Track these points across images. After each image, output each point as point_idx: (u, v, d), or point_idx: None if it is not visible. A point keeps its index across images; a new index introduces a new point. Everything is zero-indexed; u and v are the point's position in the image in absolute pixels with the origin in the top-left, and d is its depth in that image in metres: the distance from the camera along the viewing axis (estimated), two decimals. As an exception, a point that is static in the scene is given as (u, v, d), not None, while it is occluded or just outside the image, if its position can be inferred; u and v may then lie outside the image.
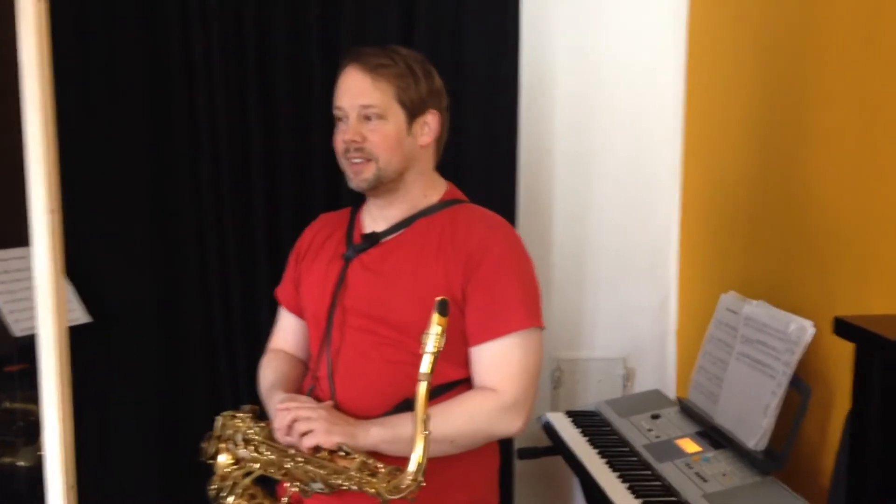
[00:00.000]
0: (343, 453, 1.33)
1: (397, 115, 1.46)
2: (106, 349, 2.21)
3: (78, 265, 2.09)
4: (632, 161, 2.43)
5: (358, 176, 1.47)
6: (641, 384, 2.44)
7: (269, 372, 1.59)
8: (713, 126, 2.28)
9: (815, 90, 1.78)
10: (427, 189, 1.54)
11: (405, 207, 1.52)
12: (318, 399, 1.47)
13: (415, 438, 1.15)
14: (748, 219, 2.06)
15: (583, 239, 2.45)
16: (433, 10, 2.21)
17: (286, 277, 1.67)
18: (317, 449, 1.34)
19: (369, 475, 1.26)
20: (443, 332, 1.13)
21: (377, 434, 1.35)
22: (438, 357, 1.14)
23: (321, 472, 1.30)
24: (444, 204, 1.54)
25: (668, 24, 2.38)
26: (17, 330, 2.01)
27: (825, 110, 1.74)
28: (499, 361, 1.41)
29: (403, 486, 1.19)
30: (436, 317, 1.14)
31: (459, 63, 2.23)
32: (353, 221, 1.59)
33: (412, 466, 1.17)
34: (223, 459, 1.47)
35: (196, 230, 2.21)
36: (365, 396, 1.42)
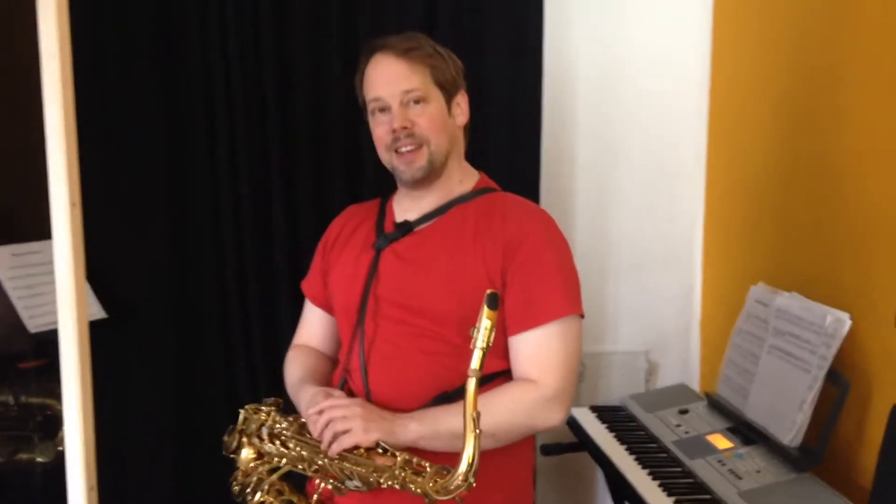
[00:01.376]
0: (381, 450, 1.29)
1: (437, 96, 1.44)
2: (122, 345, 2.17)
3: (94, 260, 2.05)
4: (655, 149, 2.38)
5: (413, 165, 1.43)
6: (665, 378, 2.40)
7: (296, 367, 1.55)
8: (739, 111, 2.23)
9: (852, 71, 1.73)
10: (462, 175, 1.52)
11: (441, 195, 1.49)
12: (351, 392, 1.43)
13: (465, 437, 1.11)
14: (777, 207, 2.02)
15: (605, 229, 2.40)
16: (454, 3, 2.16)
17: (313, 269, 1.63)
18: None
19: (413, 474, 1.22)
20: (493, 326, 1.08)
21: (416, 430, 1.31)
22: (488, 352, 1.09)
23: (359, 469, 1.26)
24: (479, 192, 1.51)
25: (693, 6, 2.33)
26: (33, 326, 1.98)
27: (862, 93, 1.69)
28: (538, 351, 1.37)
29: (453, 487, 1.15)
30: (485, 310, 1.09)
31: (481, 55, 2.19)
32: (383, 211, 1.55)
33: (463, 466, 1.13)
34: (246, 454, 1.44)
35: (213, 225, 2.17)
36: (400, 389, 1.38)
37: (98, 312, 2.15)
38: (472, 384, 1.09)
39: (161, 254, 2.15)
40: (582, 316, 1.43)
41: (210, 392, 2.22)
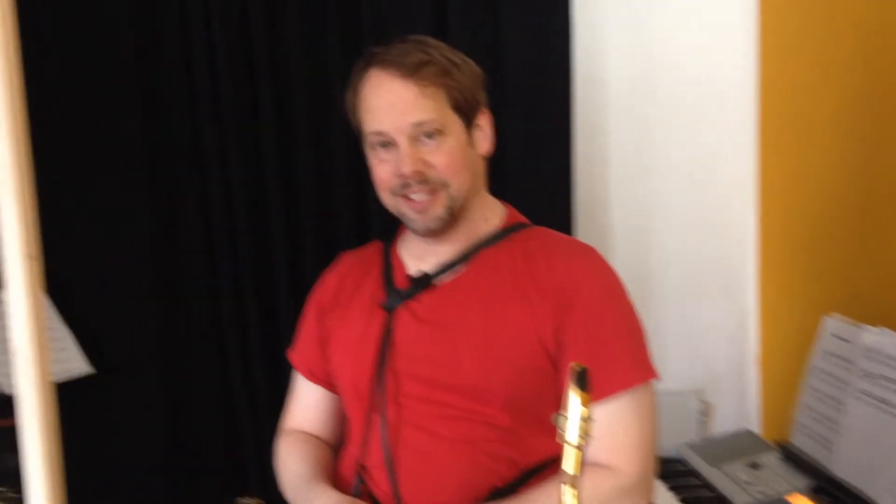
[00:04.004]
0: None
1: (455, 124, 1.17)
2: (109, 402, 1.94)
3: (79, 313, 1.84)
4: (699, 161, 2.12)
5: (427, 214, 1.16)
6: (721, 422, 2.13)
7: (297, 462, 1.26)
8: (797, 115, 1.97)
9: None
10: (486, 211, 1.24)
11: (463, 238, 1.22)
12: (373, 497, 1.15)
13: None
14: (849, 226, 1.78)
15: (645, 253, 2.14)
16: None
17: (304, 336, 1.35)
18: None
19: None
20: (589, 415, 0.80)
21: None
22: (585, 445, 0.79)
23: None
24: (508, 230, 1.24)
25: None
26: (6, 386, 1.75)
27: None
28: (610, 430, 1.11)
29: None
30: (575, 392, 0.79)
31: (501, 51, 1.91)
32: (388, 259, 1.28)
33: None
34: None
35: (207, 274, 1.92)
36: (440, 490, 1.11)
37: (83, 368, 1.93)
38: (567, 496, 0.80)
39: (149, 306, 1.91)
40: (656, 379, 1.17)
41: (205, 459, 1.98)
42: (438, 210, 1.16)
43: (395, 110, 1.14)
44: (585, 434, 0.80)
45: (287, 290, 1.91)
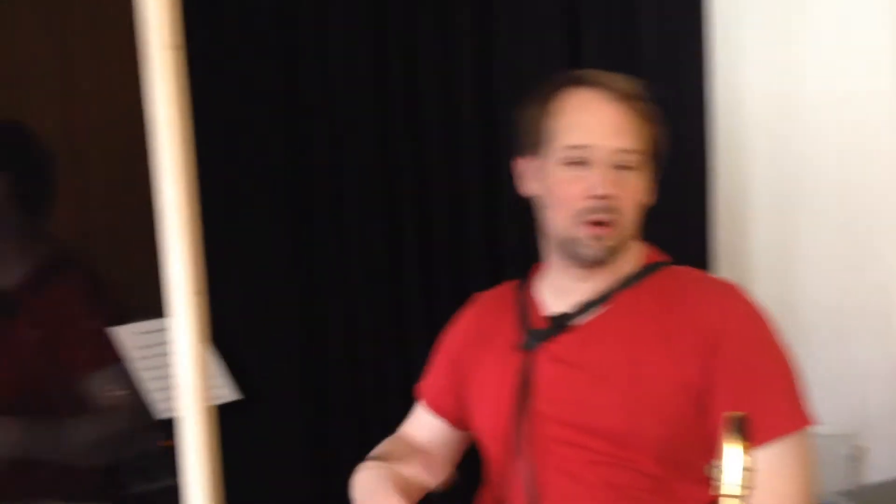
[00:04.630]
0: None
1: (646, 165, 1.17)
2: (254, 427, 2.03)
3: (226, 341, 1.94)
4: (849, 190, 2.02)
5: (602, 241, 1.15)
6: (877, 468, 2.00)
7: (373, 471, 1.23)
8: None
9: None
10: (628, 253, 1.23)
11: (605, 279, 1.20)
12: None
13: None
14: None
15: (792, 288, 2.05)
16: (603, 19, 1.87)
17: (434, 373, 1.36)
18: None
19: None
20: (751, 464, 0.77)
21: None
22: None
23: None
24: (648, 269, 1.22)
25: (886, 21, 1.97)
26: (161, 411, 1.85)
27: None
28: (767, 479, 1.06)
29: None
30: (734, 440, 0.76)
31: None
32: (523, 300, 1.27)
33: None
34: None
35: (343, 304, 1.99)
36: None
37: (231, 394, 2.02)
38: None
39: (291, 336, 1.99)
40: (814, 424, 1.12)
41: (343, 477, 2.04)
42: (611, 241, 1.16)
43: (607, 129, 1.14)
44: (747, 484, 0.77)
45: (420, 326, 1.96)
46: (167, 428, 1.81)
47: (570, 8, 1.83)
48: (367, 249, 1.97)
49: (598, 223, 1.14)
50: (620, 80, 1.16)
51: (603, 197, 1.13)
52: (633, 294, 1.19)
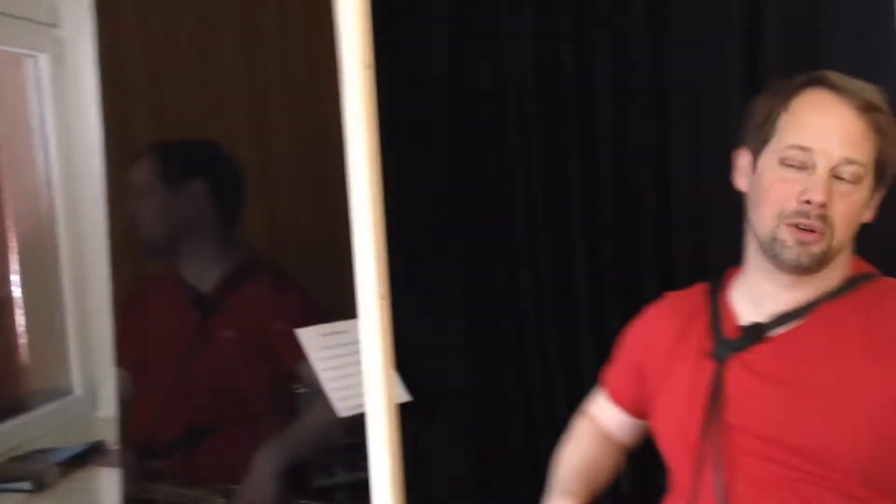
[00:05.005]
0: None
1: (869, 181, 1.12)
2: (424, 429, 2.09)
3: (398, 344, 2.02)
4: None
5: (807, 248, 1.11)
6: None
7: (573, 457, 1.36)
8: None
9: None
10: (835, 264, 1.17)
11: (810, 290, 1.16)
12: None
13: None
14: None
15: None
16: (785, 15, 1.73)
17: (620, 364, 1.39)
18: None
19: None
20: None
21: None
22: None
23: None
24: (853, 282, 1.16)
25: None
26: (342, 409, 1.94)
27: None
28: None
29: None
30: None
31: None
32: (716, 306, 1.23)
33: None
34: None
35: (511, 309, 2.01)
36: None
37: (402, 396, 2.10)
38: None
39: (458, 340, 2.04)
40: None
41: (511, 481, 2.06)
42: (817, 249, 1.11)
43: (835, 136, 1.10)
44: None
45: (588, 328, 1.94)
46: (347, 426, 1.92)
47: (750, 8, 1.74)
48: (536, 253, 1.98)
49: (806, 229, 1.11)
50: (864, 89, 1.12)
51: (819, 204, 1.09)
52: (835, 307, 1.14)
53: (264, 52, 2.10)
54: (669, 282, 1.81)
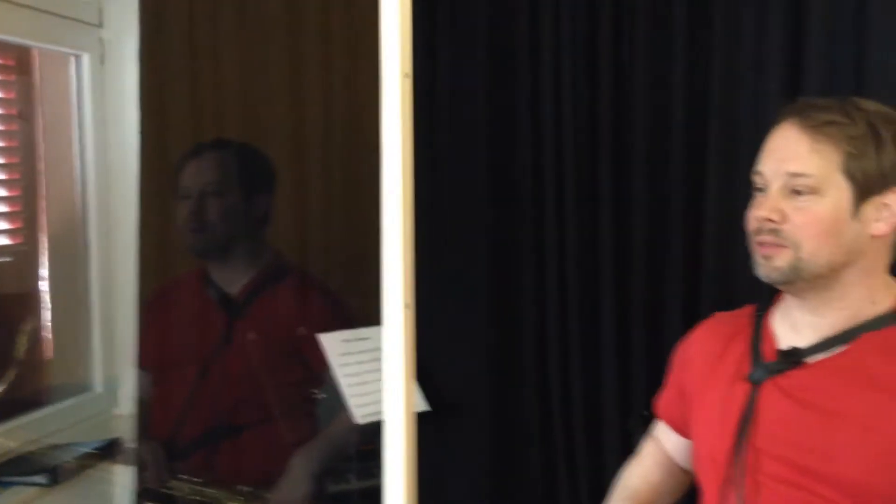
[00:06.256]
0: None
1: (840, 190, 1.12)
2: (442, 439, 2.09)
3: (420, 354, 2.03)
4: None
5: (768, 262, 1.15)
6: None
7: (631, 481, 1.35)
8: None
9: None
10: (876, 294, 1.16)
11: (843, 316, 1.15)
12: None
13: None
14: None
15: None
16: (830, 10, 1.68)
17: (669, 386, 1.39)
18: None
19: None
20: None
21: None
22: None
23: None
24: None
25: None
26: (359, 416, 1.95)
27: None
28: None
29: None
30: None
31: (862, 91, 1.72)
32: (758, 328, 1.24)
33: None
34: None
35: (535, 320, 2.01)
36: None
37: (421, 405, 2.10)
38: None
39: (480, 349, 2.04)
40: None
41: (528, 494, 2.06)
42: (780, 263, 1.14)
43: (778, 156, 1.16)
44: None
45: (610, 346, 1.94)
46: (364, 432, 1.93)
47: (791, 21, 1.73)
48: (560, 268, 1.98)
49: (763, 244, 1.16)
50: (824, 109, 1.14)
51: (762, 218, 1.15)
52: (877, 339, 1.14)
53: (305, 56, 2.12)
54: (695, 298, 1.82)
